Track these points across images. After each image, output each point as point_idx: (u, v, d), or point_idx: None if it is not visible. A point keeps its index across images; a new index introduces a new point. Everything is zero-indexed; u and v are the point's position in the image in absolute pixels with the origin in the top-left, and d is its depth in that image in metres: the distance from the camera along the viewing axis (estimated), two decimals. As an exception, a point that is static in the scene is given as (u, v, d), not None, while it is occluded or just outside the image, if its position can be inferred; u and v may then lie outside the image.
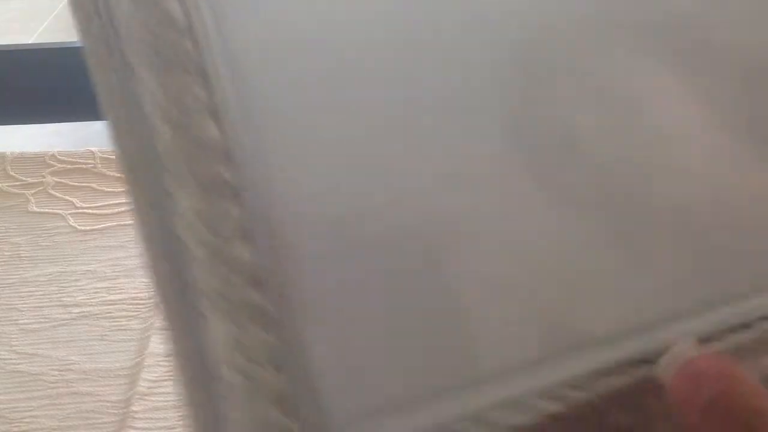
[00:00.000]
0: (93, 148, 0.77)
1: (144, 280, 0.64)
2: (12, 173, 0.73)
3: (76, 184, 0.73)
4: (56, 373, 0.51)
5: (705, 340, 0.33)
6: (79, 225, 0.68)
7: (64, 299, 0.59)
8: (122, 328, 0.57)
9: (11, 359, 0.48)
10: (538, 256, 0.32)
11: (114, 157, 0.27)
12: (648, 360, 0.32)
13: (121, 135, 0.27)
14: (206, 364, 0.28)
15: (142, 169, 0.27)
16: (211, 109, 0.27)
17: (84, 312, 0.58)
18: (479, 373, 0.31)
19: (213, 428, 0.29)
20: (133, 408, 0.52)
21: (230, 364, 0.28)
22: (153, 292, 0.28)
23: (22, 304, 0.58)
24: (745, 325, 0.34)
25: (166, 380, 0.55)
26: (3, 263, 0.62)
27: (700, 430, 0.27)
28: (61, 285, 0.60)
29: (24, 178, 0.72)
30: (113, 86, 0.27)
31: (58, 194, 0.71)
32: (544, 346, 0.32)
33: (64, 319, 0.56)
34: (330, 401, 0.29)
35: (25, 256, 0.63)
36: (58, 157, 0.75)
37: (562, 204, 0.32)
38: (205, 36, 0.27)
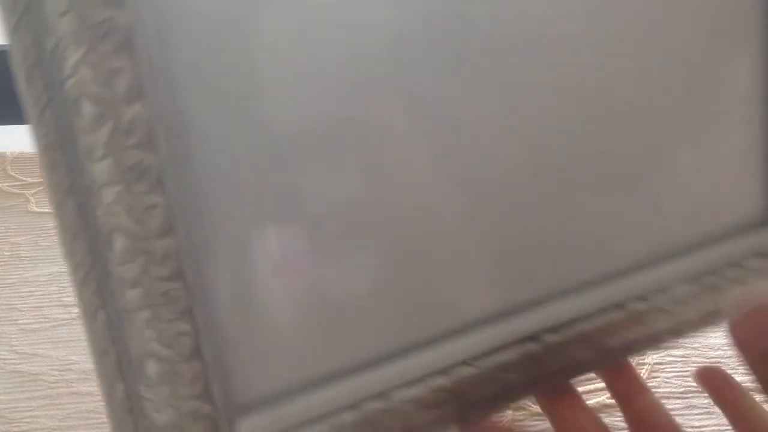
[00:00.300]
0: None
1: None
2: (12, 173, 0.73)
3: (76, 184, 0.72)
4: (56, 373, 0.51)
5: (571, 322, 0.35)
6: (79, 225, 0.68)
7: (64, 299, 0.59)
8: (122, 327, 0.57)
9: (11, 359, 0.48)
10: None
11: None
12: (531, 338, 0.35)
13: (41, 124, 0.27)
14: (125, 350, 0.29)
15: (63, 158, 0.27)
16: (136, 94, 0.27)
17: (84, 312, 0.58)
18: (378, 354, 0.34)
19: (131, 411, 0.30)
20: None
21: (147, 351, 0.29)
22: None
23: (22, 304, 0.58)
24: (618, 305, 0.36)
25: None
26: (3, 263, 0.63)
27: (756, 373, 0.28)
28: (61, 285, 0.60)
29: (24, 178, 0.72)
30: (36, 76, 0.27)
31: (58, 194, 0.71)
32: (431, 329, 0.34)
33: (64, 319, 0.57)
34: (240, 385, 0.31)
35: (25, 256, 0.64)
36: (59, 157, 0.75)
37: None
38: (138, 20, 0.27)
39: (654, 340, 0.37)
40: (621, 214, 0.37)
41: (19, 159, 0.75)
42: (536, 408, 0.37)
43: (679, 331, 0.37)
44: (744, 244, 0.39)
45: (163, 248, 0.29)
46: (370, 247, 0.33)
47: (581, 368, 0.36)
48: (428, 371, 0.34)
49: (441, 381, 0.34)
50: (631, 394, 0.36)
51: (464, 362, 0.34)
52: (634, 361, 0.40)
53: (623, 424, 0.36)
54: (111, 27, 0.27)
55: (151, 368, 0.30)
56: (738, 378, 0.35)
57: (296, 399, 0.33)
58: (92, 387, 0.51)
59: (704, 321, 0.37)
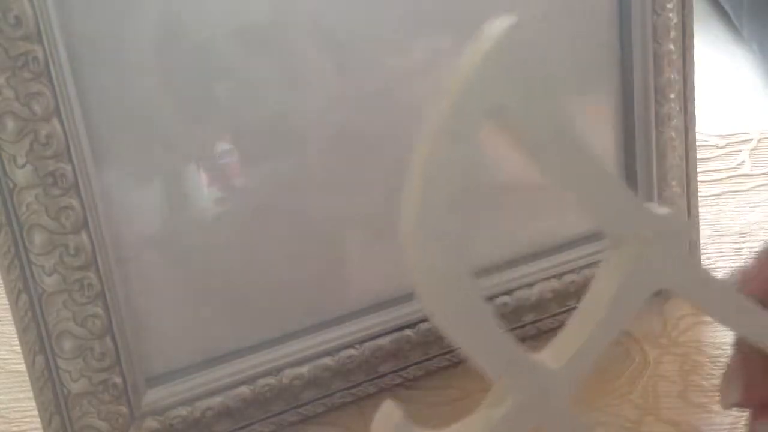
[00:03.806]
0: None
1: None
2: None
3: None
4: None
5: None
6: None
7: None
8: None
9: (11, 359, 0.48)
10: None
11: None
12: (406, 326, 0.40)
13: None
14: (44, 327, 0.34)
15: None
16: (52, 113, 0.32)
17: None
18: (270, 335, 0.39)
19: (50, 380, 0.35)
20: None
21: (63, 329, 0.34)
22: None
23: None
24: (529, 285, 0.41)
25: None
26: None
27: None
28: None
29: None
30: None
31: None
32: (318, 314, 0.39)
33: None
34: (148, 360, 0.37)
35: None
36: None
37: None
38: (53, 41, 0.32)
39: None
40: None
41: None
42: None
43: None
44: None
45: (76, 243, 0.34)
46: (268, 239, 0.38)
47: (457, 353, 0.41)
48: (316, 352, 0.39)
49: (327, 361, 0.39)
50: None
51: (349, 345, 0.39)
52: (634, 360, 0.43)
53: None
54: (29, 58, 0.32)
55: (67, 344, 0.35)
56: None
57: (198, 373, 0.38)
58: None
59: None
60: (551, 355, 0.26)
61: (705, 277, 0.28)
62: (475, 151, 0.23)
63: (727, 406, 0.34)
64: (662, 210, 0.27)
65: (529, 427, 0.26)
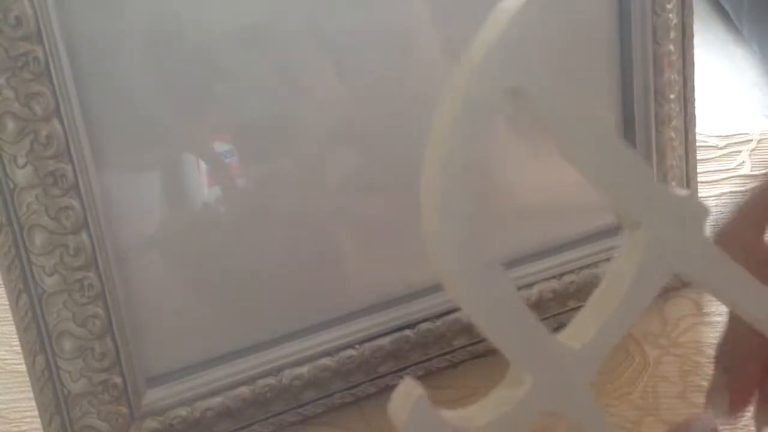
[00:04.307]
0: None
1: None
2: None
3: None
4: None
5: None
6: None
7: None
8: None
9: (11, 359, 0.48)
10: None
11: None
12: (406, 327, 0.40)
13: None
14: (45, 327, 0.34)
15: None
16: (52, 113, 0.32)
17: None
18: (270, 335, 0.39)
19: (50, 380, 0.35)
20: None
21: (64, 329, 0.34)
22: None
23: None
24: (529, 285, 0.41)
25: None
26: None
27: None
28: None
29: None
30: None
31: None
32: (318, 314, 0.39)
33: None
34: (148, 360, 0.37)
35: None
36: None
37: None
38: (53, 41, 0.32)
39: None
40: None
41: None
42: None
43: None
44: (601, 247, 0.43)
45: (76, 243, 0.34)
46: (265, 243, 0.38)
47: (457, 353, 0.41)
48: (316, 352, 0.39)
49: (327, 362, 0.39)
50: None
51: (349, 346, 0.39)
52: (634, 360, 0.43)
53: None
54: (30, 59, 0.32)
55: (67, 344, 0.35)
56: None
57: (198, 374, 0.38)
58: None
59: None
60: (571, 336, 0.26)
61: (722, 261, 0.28)
62: (494, 136, 0.23)
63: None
64: (682, 192, 0.26)
65: (549, 408, 0.25)
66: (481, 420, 0.24)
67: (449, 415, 0.24)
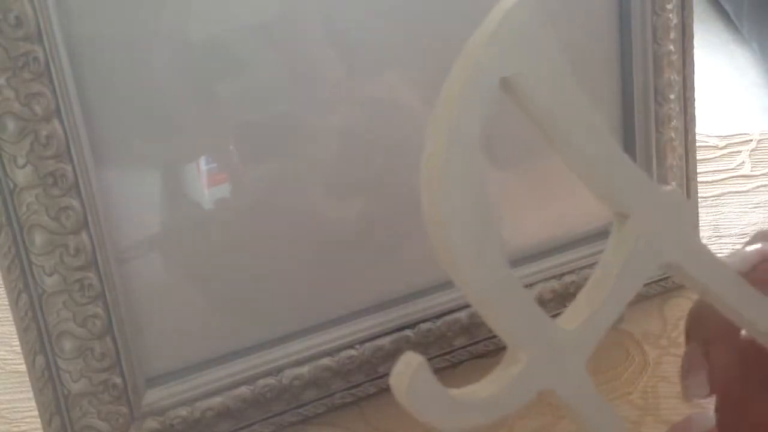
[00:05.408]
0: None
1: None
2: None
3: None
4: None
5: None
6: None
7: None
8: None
9: (11, 359, 0.48)
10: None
11: None
12: (406, 327, 0.40)
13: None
14: (44, 327, 0.34)
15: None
16: (52, 114, 0.32)
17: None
18: (270, 335, 0.39)
19: (50, 380, 0.35)
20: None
21: (64, 329, 0.34)
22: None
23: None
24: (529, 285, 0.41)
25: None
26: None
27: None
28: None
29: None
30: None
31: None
32: (318, 314, 0.40)
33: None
34: (148, 360, 0.37)
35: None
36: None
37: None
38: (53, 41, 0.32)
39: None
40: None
41: None
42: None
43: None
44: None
45: (76, 243, 0.34)
46: (265, 245, 0.38)
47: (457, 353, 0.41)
48: (316, 352, 0.39)
49: (327, 362, 0.39)
50: None
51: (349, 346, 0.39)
52: (634, 360, 0.43)
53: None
54: (30, 59, 0.32)
55: (67, 344, 0.35)
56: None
57: (198, 374, 0.38)
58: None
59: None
60: (566, 320, 0.27)
61: (705, 252, 0.30)
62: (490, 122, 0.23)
63: (691, 398, 0.34)
64: (666, 187, 0.29)
65: (544, 386, 0.26)
66: (479, 395, 0.26)
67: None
